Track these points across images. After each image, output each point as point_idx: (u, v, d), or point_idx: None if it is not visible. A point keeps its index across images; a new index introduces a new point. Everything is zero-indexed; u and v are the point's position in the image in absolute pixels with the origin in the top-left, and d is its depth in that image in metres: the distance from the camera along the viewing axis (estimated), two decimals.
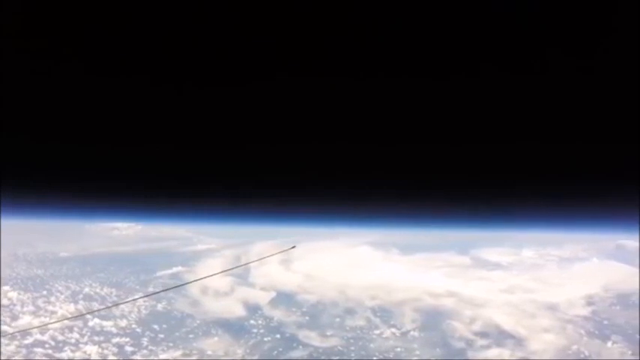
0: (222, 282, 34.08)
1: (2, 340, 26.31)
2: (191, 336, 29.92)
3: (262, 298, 32.56)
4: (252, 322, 30.99)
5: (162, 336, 29.68)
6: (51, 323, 29.71)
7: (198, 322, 31.05)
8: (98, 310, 30.90)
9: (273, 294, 32.84)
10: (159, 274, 35.58)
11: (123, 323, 30.71)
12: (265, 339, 29.54)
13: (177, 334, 29.96)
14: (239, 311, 31.66)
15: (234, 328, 30.40)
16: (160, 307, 31.98)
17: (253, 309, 31.78)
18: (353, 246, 36.39)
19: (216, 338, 29.72)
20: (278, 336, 29.71)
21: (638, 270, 32.79)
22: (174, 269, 36.21)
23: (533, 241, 36.47)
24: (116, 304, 32.82)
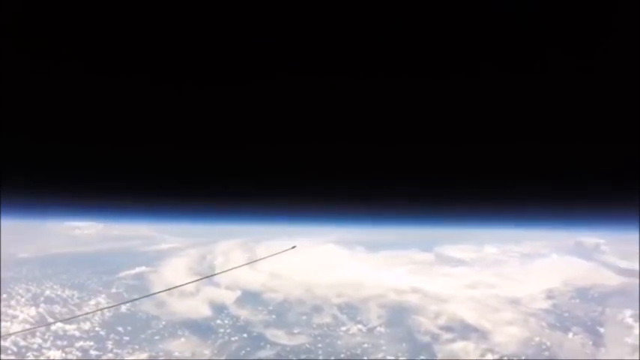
0: (186, 281, 33.40)
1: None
2: (157, 338, 29.43)
3: (228, 297, 32.10)
4: (218, 322, 30.56)
5: (127, 338, 28.99)
6: (52, 323, 29.49)
7: (163, 323, 30.46)
8: (102, 309, 30.51)
9: (239, 293, 32.39)
10: (122, 274, 34.63)
11: (86, 326, 29.87)
12: (232, 339, 29.33)
13: (142, 336, 29.45)
14: (205, 311, 31.16)
15: (200, 328, 30.02)
16: (124, 308, 31.31)
17: (219, 309, 31.33)
18: (318, 244, 36.27)
19: (182, 339, 29.40)
20: (245, 335, 29.47)
21: (595, 265, 34.62)
22: (138, 269, 35.25)
23: (495, 238, 37.23)
24: (118, 304, 32.39)
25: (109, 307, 31.08)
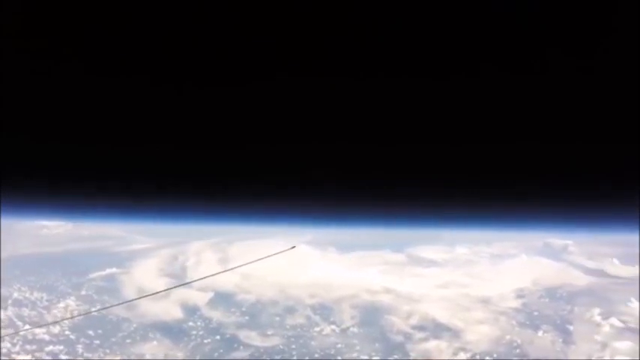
0: (159, 283, 32.91)
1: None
2: (128, 341, 28.90)
3: (200, 299, 31.64)
4: (190, 324, 30.14)
5: (98, 342, 28.39)
6: (53, 323, 29.43)
7: (135, 326, 29.87)
8: (105, 308, 30.45)
9: (211, 294, 32.00)
10: (92, 275, 33.83)
11: (56, 330, 29.19)
12: (205, 341, 29.02)
13: (113, 339, 28.90)
14: (177, 313, 30.72)
15: (172, 331, 29.59)
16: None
17: (192, 310, 30.91)
18: (291, 245, 36.05)
19: (154, 342, 29.00)
20: (218, 337, 29.23)
21: (564, 266, 35.54)
22: (109, 270, 34.53)
23: (465, 239, 38.09)
24: (120, 303, 32.21)
25: (104, 309, 30.61)
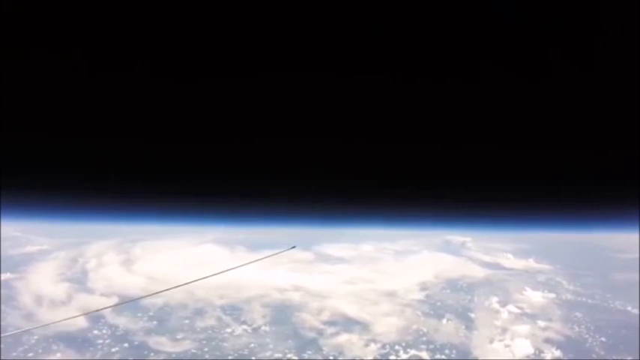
0: (58, 289, 30.40)
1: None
2: (30, 355, 26.20)
3: (104, 304, 30.07)
4: (95, 332, 28.25)
5: None
6: (52, 323, 28.48)
7: (36, 337, 27.19)
8: (104, 308, 29.42)
9: (116, 299, 30.26)
10: None
11: None
12: (113, 350, 27.33)
13: (14, 354, 26.01)
14: (80, 321, 28.48)
15: (77, 340, 27.45)
16: None
17: (96, 318, 28.91)
18: (196, 244, 35.61)
19: (58, 354, 26.62)
20: (126, 345, 27.65)
21: (463, 260, 38.45)
22: (3, 276, 31.02)
23: (370, 237, 39.75)
24: (119, 304, 30.86)
25: (103, 309, 28.97)
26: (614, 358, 26.57)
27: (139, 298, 29.56)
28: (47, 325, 27.26)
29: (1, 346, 25.58)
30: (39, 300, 29.34)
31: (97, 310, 29.30)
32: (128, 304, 29.92)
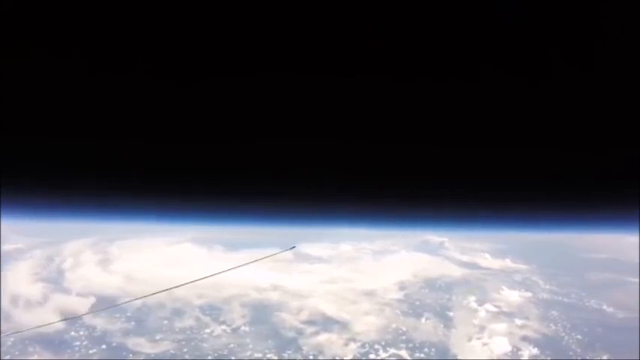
0: (33, 289, 29.94)
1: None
2: (7, 357, 25.65)
3: (81, 305, 29.50)
4: (73, 333, 27.88)
5: None
6: (51, 323, 28.22)
7: (12, 340, 26.69)
8: (103, 309, 28.61)
9: (93, 300, 29.98)
10: None
11: None
12: (91, 351, 27.00)
13: None
14: (57, 323, 28.19)
15: (54, 342, 27.00)
16: None
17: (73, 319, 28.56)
18: (174, 244, 35.58)
19: (35, 356, 26.11)
20: (104, 347, 27.38)
21: (440, 260, 39.21)
22: None
23: (348, 237, 40.17)
24: (118, 304, 30.74)
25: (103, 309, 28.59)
26: (590, 355, 27.31)
27: (123, 303, 29.14)
28: (46, 325, 26.60)
29: None
30: (14, 301, 28.80)
31: (82, 315, 28.96)
32: (105, 304, 29.65)
